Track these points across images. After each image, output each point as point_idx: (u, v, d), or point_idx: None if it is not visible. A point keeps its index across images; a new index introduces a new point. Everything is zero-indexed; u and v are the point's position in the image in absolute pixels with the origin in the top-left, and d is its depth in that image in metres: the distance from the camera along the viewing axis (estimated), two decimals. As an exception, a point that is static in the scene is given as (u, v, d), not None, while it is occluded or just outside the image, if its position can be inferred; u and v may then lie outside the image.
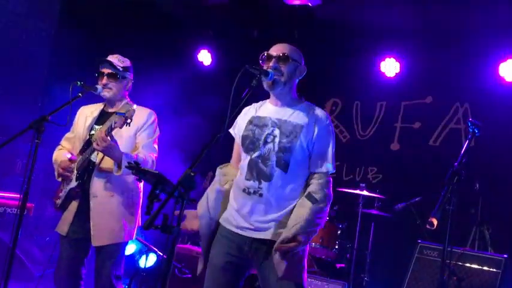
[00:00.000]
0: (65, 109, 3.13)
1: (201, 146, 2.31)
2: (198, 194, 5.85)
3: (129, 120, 2.93)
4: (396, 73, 6.04)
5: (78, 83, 3.18)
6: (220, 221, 2.68)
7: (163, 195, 2.25)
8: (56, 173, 3.34)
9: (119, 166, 3.05)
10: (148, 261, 5.09)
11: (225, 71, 6.90)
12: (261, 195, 2.55)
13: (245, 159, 2.64)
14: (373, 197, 5.14)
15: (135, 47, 6.23)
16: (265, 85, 2.65)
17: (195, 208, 2.78)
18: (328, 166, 2.62)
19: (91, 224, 3.14)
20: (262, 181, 2.56)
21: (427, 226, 2.47)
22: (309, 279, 4.47)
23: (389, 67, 6.05)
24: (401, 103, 6.15)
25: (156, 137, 3.39)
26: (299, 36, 6.49)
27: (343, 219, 5.28)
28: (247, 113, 2.77)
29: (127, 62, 3.42)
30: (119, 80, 3.33)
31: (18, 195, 4.74)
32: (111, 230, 3.17)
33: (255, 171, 2.57)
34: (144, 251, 5.14)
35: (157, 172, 2.33)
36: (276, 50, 2.71)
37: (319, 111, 2.69)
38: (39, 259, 5.48)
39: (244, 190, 2.59)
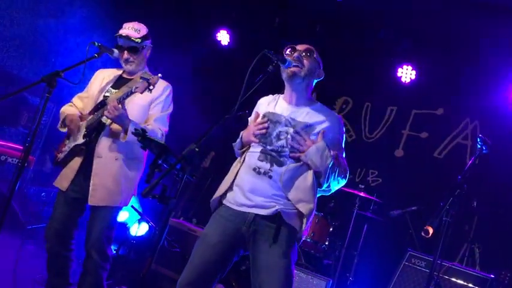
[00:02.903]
0: (78, 68, 3.14)
1: (208, 125, 2.33)
2: (198, 170, 5.86)
3: (151, 87, 2.95)
4: (411, 79, 6.01)
5: (96, 43, 3.18)
6: (224, 202, 2.68)
7: (166, 166, 2.27)
8: (59, 123, 3.34)
9: (126, 132, 3.07)
10: (139, 230, 5.14)
11: (241, 53, 6.87)
12: (270, 177, 2.58)
13: (257, 147, 2.66)
14: (370, 199, 5.14)
15: (155, 17, 6.22)
16: (284, 75, 2.69)
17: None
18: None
19: (91, 183, 3.15)
20: (275, 165, 2.59)
21: (422, 233, 2.48)
22: (295, 271, 4.50)
23: (406, 73, 6.02)
24: (412, 111, 6.12)
25: (169, 112, 3.40)
26: (320, 29, 6.44)
27: (337, 217, 5.30)
28: (263, 107, 2.81)
29: (143, 30, 3.38)
30: (139, 51, 3.34)
31: (21, 147, 4.78)
32: (109, 192, 3.18)
33: (269, 156, 2.60)
34: (137, 219, 5.18)
35: (162, 142, 2.35)
36: (301, 45, 2.77)
37: (332, 114, 2.74)
38: (32, 212, 5.53)
39: (254, 169, 2.60)
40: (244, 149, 2.74)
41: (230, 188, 2.69)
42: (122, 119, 3.05)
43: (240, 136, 2.78)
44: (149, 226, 5.16)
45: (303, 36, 6.47)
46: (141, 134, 2.32)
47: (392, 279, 4.38)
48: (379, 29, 6.02)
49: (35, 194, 5.88)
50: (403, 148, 6.05)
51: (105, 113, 3.04)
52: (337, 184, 2.69)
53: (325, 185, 2.64)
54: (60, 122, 3.35)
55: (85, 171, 3.21)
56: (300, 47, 2.74)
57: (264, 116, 2.72)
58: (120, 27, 3.38)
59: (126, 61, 3.33)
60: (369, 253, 5.29)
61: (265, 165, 2.59)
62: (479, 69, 5.59)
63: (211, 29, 7.10)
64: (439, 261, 2.65)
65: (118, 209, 3.28)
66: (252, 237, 2.57)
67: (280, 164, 2.58)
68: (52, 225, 3.24)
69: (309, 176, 2.59)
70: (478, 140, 2.94)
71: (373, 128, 6.34)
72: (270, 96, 2.86)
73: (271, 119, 2.68)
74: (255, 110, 2.87)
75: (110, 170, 3.19)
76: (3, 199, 2.91)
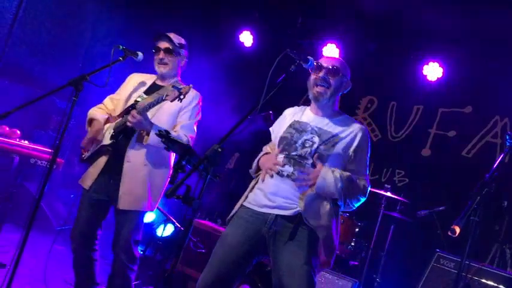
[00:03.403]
0: (104, 71, 3.19)
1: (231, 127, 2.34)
2: (222, 172, 5.90)
3: (182, 96, 3.00)
4: (438, 78, 5.90)
5: (120, 46, 3.24)
6: (244, 203, 2.72)
7: (189, 167, 2.28)
8: (86, 124, 3.41)
9: (148, 135, 3.14)
10: (165, 230, 5.19)
11: (264, 54, 6.87)
12: (293, 180, 2.60)
13: (280, 156, 2.69)
14: (397, 199, 5.07)
15: (180, 20, 6.27)
16: (310, 95, 2.75)
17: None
18: (364, 175, 2.73)
19: (120, 187, 3.20)
20: (297, 168, 2.60)
21: (449, 233, 2.44)
22: (321, 272, 4.48)
23: (432, 71, 5.91)
24: (439, 109, 6.01)
25: (197, 120, 3.44)
26: (343, 29, 6.40)
27: (363, 218, 5.23)
28: (288, 116, 2.85)
29: (182, 40, 3.50)
30: (174, 55, 3.41)
31: (50, 150, 4.88)
32: (136, 196, 3.23)
33: (292, 160, 2.63)
34: (163, 220, 5.23)
35: (186, 143, 2.37)
36: (326, 61, 2.75)
37: (357, 125, 2.76)
38: (61, 214, 5.65)
39: (278, 172, 2.63)
40: (259, 173, 2.76)
41: (251, 191, 2.72)
42: (142, 124, 3.12)
43: (257, 160, 2.80)
44: (175, 227, 5.20)
45: (326, 35, 6.44)
46: (165, 135, 2.34)
47: (420, 281, 4.30)
48: (403, 26, 5.93)
49: (64, 196, 6.01)
50: (430, 147, 5.95)
51: (127, 123, 3.12)
52: (357, 202, 2.71)
53: (343, 206, 2.67)
54: (87, 122, 3.43)
55: (109, 172, 3.26)
56: (325, 63, 2.72)
57: (290, 125, 2.75)
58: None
59: (161, 61, 3.38)
60: (396, 254, 5.21)
61: (289, 169, 2.61)
62: (509, 65, 5.45)
63: (235, 31, 7.13)
64: (467, 262, 2.59)
65: (144, 213, 3.32)
66: (273, 238, 2.57)
67: (303, 168, 2.60)
68: (77, 227, 3.31)
69: (327, 202, 2.60)
70: (507, 137, 2.86)
71: (399, 128, 6.25)
72: (296, 108, 2.90)
73: (297, 128, 2.72)
74: (280, 119, 2.91)
75: (138, 175, 3.24)
76: (33, 201, 2.98)
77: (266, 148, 2.90)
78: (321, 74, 2.69)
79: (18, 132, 5.01)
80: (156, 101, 3.11)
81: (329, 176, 2.53)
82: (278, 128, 2.84)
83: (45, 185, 2.95)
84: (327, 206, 2.58)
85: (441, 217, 4.93)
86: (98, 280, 3.42)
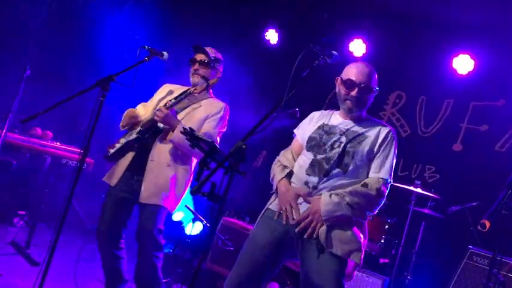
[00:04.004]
0: (131, 72, 3.24)
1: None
2: (249, 170, 5.90)
3: (209, 88, 3.10)
4: (469, 71, 5.76)
5: (146, 47, 3.29)
6: (270, 206, 2.73)
7: (214, 164, 2.29)
8: (121, 123, 3.48)
9: (173, 131, 3.19)
10: (194, 229, 5.23)
11: (290, 51, 6.84)
12: (316, 188, 2.60)
13: (308, 156, 2.69)
14: (427, 196, 4.97)
15: (206, 18, 6.31)
16: (342, 106, 2.75)
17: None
18: (386, 173, 2.64)
19: (143, 183, 3.25)
20: (322, 176, 2.60)
21: (478, 227, 2.38)
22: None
23: (462, 64, 5.77)
24: (470, 103, 5.87)
25: (221, 131, 3.49)
26: (370, 24, 6.31)
27: (393, 215, 5.15)
28: (315, 118, 2.86)
29: (218, 55, 3.57)
30: (208, 68, 3.47)
31: (80, 150, 4.99)
32: (157, 192, 3.27)
33: (317, 168, 2.62)
34: (191, 219, 5.27)
35: (211, 141, 2.38)
36: (358, 77, 2.70)
37: (384, 127, 2.76)
38: (93, 213, 5.75)
39: (305, 183, 2.63)
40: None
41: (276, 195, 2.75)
42: (169, 119, 3.18)
43: (275, 188, 2.76)
44: (203, 225, 5.23)
45: (352, 30, 6.37)
46: (189, 133, 2.36)
47: (453, 278, 4.22)
48: (431, 17, 5.81)
49: (96, 195, 6.12)
50: (462, 142, 5.81)
51: (155, 117, 3.16)
52: (376, 207, 2.64)
53: (363, 218, 2.64)
54: (122, 121, 3.50)
55: (134, 169, 3.31)
56: (357, 79, 2.68)
57: (319, 127, 2.77)
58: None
59: (195, 71, 3.47)
60: (427, 251, 5.12)
61: (313, 179, 2.61)
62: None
63: (260, 29, 7.12)
64: (499, 257, 2.52)
65: (165, 209, 3.35)
66: (301, 240, 2.58)
67: (327, 174, 2.59)
68: (101, 226, 3.35)
69: (346, 225, 2.56)
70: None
71: (429, 122, 6.13)
72: (323, 111, 2.91)
73: (326, 130, 2.73)
74: (306, 122, 2.90)
75: (161, 174, 3.28)
76: (64, 200, 3.03)
77: (288, 155, 2.86)
78: (353, 93, 2.67)
79: (50, 133, 5.13)
80: (185, 95, 3.18)
81: (328, 201, 2.50)
82: (304, 130, 2.85)
83: (75, 184, 3.00)
84: (347, 232, 2.54)
85: (473, 213, 4.80)
86: (126, 277, 3.46)
